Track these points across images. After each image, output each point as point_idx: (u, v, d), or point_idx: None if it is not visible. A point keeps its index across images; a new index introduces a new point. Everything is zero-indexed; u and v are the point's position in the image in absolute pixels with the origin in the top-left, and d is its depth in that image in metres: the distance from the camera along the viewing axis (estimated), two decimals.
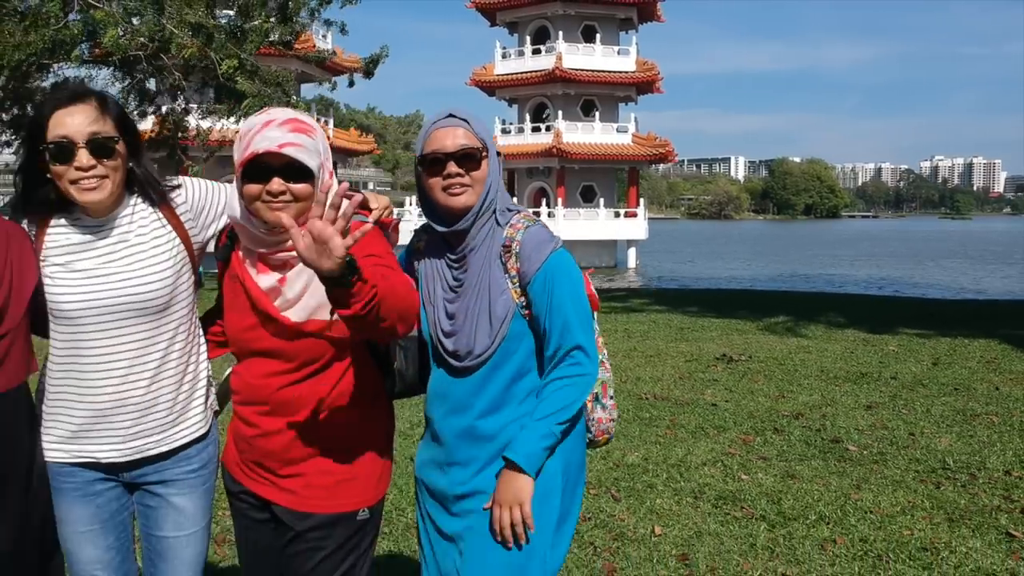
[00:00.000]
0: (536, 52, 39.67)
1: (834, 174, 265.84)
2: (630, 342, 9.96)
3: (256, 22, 16.16)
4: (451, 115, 2.02)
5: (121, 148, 1.94)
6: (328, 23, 19.53)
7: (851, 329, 11.34)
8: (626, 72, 39.52)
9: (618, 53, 39.77)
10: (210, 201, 2.09)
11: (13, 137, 17.94)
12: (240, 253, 2.01)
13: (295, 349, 1.96)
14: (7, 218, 1.98)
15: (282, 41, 18.45)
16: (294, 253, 1.90)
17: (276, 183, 1.85)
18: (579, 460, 2.10)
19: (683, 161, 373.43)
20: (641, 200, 40.33)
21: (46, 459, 2.00)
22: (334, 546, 2.00)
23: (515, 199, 38.63)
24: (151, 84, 18.95)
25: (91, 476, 2.02)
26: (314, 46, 29.27)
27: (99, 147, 1.88)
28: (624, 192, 43.28)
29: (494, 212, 2.03)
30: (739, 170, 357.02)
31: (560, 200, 38.56)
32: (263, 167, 1.85)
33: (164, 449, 2.04)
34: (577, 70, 38.33)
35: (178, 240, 2.04)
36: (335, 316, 1.91)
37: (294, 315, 1.94)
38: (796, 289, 23.84)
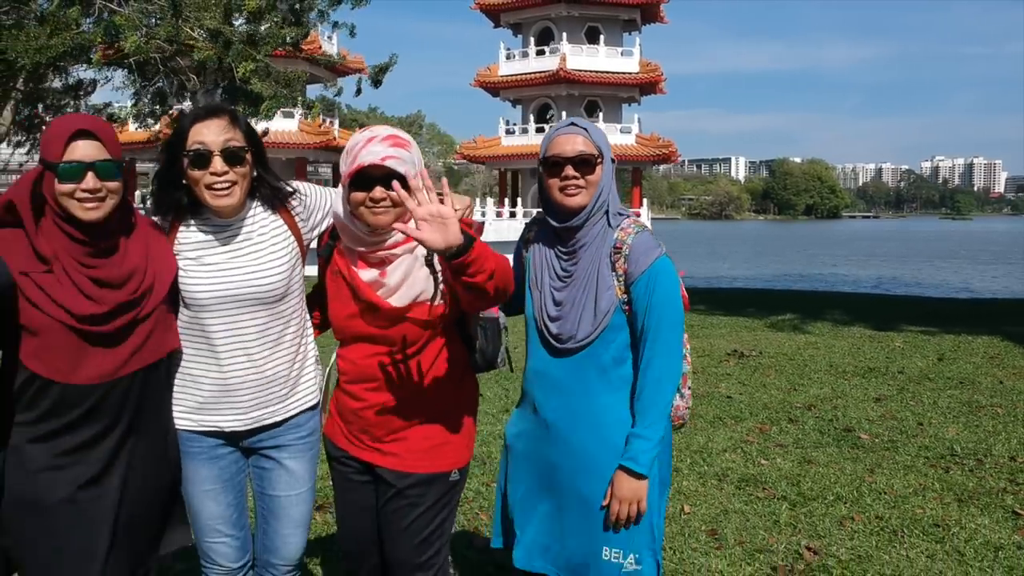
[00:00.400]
0: (540, 53, 39.91)
1: (835, 174, 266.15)
2: None
3: (266, 26, 16.40)
4: (573, 123, 2.28)
5: (249, 157, 2.21)
6: (336, 25, 19.74)
7: (856, 326, 11.62)
8: (629, 73, 39.75)
9: (621, 54, 40.01)
10: (319, 205, 2.37)
11: (26, 138, 18.17)
12: (341, 251, 2.28)
13: (396, 332, 2.23)
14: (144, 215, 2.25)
15: (292, 42, 18.67)
16: (393, 251, 2.19)
17: (378, 191, 2.13)
18: (668, 439, 2.35)
19: (684, 161, 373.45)
20: (644, 200, 40.59)
21: (176, 427, 2.27)
22: (430, 502, 2.28)
23: (519, 199, 38.53)
24: (161, 85, 19.15)
25: (215, 442, 2.30)
26: (320, 47, 29.38)
27: (231, 155, 2.16)
28: (627, 192, 43.47)
29: (606, 213, 2.26)
30: (740, 170, 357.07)
31: None
32: (367, 177, 2.13)
33: (279, 419, 2.31)
34: (581, 71, 38.57)
35: (293, 239, 2.31)
36: (437, 300, 2.20)
37: (395, 302, 2.21)
38: (800, 288, 24.10)
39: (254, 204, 2.29)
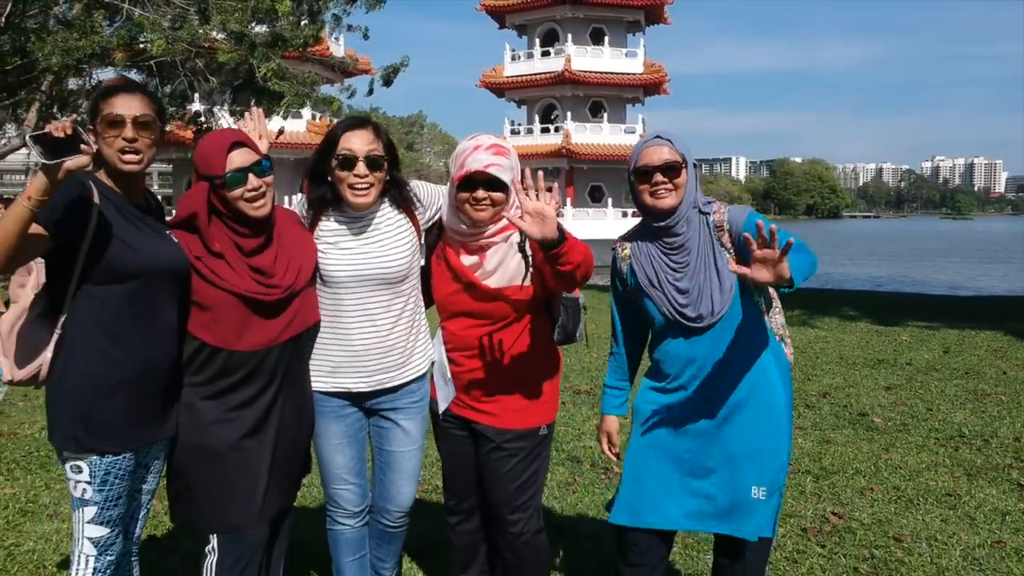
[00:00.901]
0: (545, 54, 40.28)
1: (835, 174, 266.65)
2: None
3: (280, 25, 16.78)
4: (658, 136, 2.59)
5: (386, 165, 2.60)
6: (350, 28, 20.14)
7: (863, 322, 12.00)
8: (634, 74, 40.14)
9: (626, 55, 40.39)
10: (432, 202, 2.76)
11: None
12: (447, 240, 2.68)
13: (491, 309, 2.63)
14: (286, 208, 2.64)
15: (304, 43, 19.11)
16: (491, 240, 2.58)
17: (480, 192, 2.53)
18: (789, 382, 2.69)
19: None
20: None
21: (312, 388, 2.66)
22: (524, 453, 2.67)
23: None
24: (181, 86, 19.55)
25: (342, 403, 2.69)
26: (328, 48, 29.66)
27: (373, 162, 2.56)
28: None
29: (696, 208, 2.60)
30: (740, 170, 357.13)
31: (569, 200, 39.18)
32: (472, 181, 2.52)
33: (397, 383, 2.70)
34: (586, 72, 38.94)
35: (413, 230, 2.71)
36: (527, 282, 2.59)
37: (492, 283, 2.61)
38: (805, 287, 24.40)
39: (384, 201, 2.68)
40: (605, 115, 40.55)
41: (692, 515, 2.65)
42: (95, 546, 2.28)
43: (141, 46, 15.30)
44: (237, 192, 2.36)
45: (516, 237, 2.62)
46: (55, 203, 2.03)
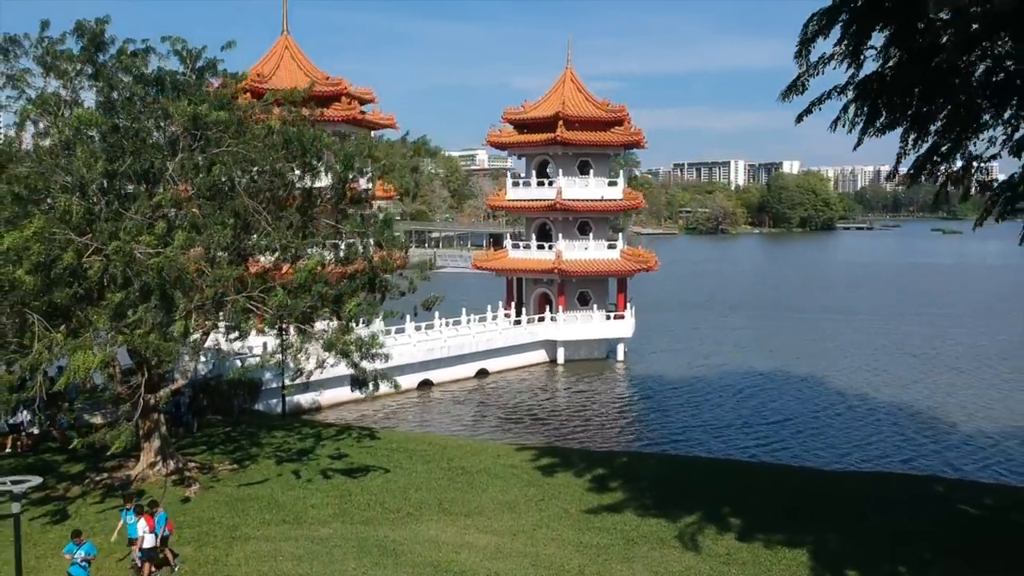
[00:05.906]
0: (540, 184, 47.90)
1: (830, 184, 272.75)
2: None
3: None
4: None
5: None
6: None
7: (728, 536, 19.52)
8: (614, 200, 47.78)
9: (608, 184, 48.00)
10: None
11: None
12: None
13: None
14: None
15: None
16: None
17: None
18: None
19: (683, 165, 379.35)
20: (628, 303, 48.46)
21: None
22: None
23: (524, 305, 46.52)
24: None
25: None
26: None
27: None
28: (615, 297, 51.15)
29: None
30: (739, 174, 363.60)
31: (561, 307, 46.86)
32: None
33: None
34: (574, 200, 46.54)
35: None
36: None
37: None
38: (751, 457, 29.00)
39: None
40: (591, 234, 48.17)
41: None
42: None
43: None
44: None
45: None
46: None
